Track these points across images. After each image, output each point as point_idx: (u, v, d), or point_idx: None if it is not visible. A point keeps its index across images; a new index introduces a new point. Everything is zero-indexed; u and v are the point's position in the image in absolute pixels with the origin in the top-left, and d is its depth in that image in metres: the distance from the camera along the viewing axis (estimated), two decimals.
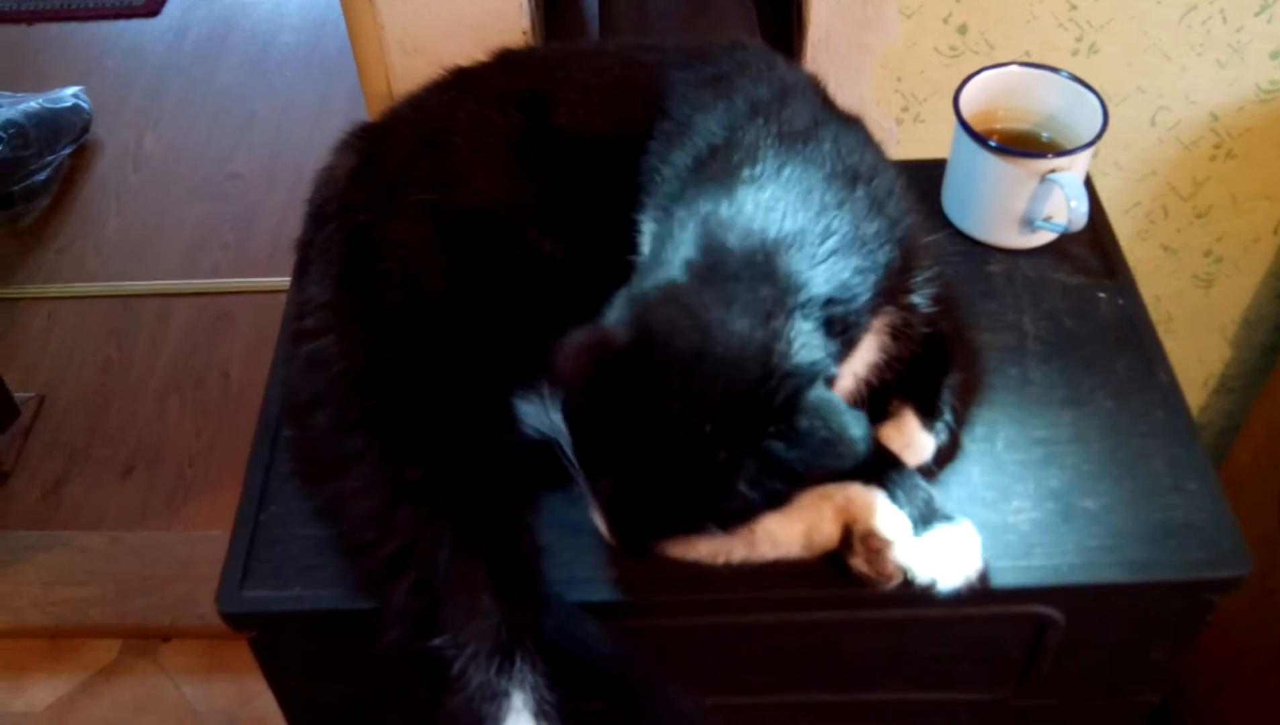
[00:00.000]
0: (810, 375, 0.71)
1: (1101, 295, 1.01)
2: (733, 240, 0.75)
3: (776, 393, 0.70)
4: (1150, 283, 1.50)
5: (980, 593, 0.81)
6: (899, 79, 1.32)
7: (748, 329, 0.71)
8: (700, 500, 0.72)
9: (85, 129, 2.71)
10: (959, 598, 0.81)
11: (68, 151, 2.65)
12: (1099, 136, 0.98)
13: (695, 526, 0.75)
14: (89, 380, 2.25)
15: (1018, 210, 1.01)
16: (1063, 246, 1.05)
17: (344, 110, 2.69)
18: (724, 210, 0.77)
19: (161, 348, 2.30)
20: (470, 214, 0.88)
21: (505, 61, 1.01)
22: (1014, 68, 1.05)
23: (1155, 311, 1.54)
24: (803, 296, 0.74)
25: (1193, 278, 1.51)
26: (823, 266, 0.75)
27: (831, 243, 0.76)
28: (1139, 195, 1.41)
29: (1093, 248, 1.05)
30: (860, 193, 0.79)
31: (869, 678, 0.92)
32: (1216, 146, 1.36)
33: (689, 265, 0.75)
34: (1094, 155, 1.02)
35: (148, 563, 1.94)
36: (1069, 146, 1.02)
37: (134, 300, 2.39)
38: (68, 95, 2.69)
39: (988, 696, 0.94)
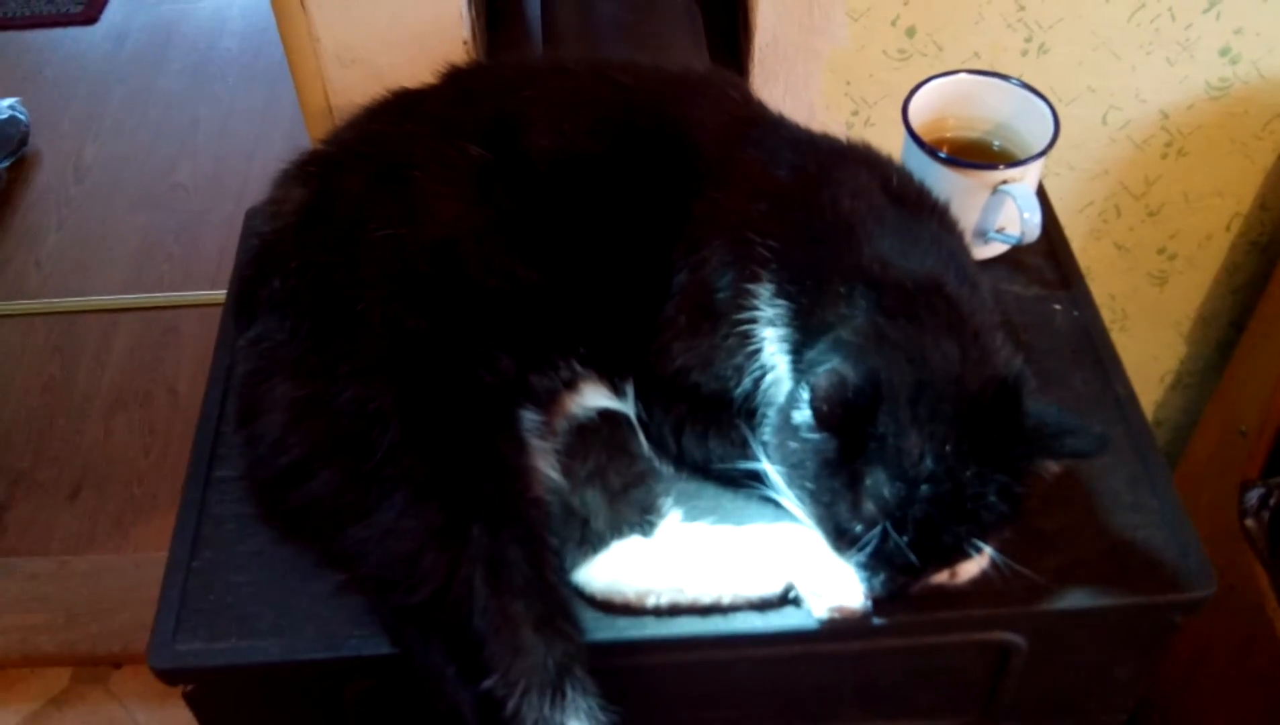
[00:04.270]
0: (1023, 376, 0.77)
1: (1057, 307, 1.00)
2: (905, 278, 0.80)
3: (1000, 400, 0.75)
4: (1105, 281, 1.50)
5: (940, 622, 0.80)
6: (848, 82, 1.30)
7: (957, 348, 0.76)
8: (958, 524, 0.74)
9: (23, 141, 2.64)
10: (918, 627, 0.79)
11: (6, 164, 2.58)
12: (1050, 146, 0.97)
13: (955, 554, 0.76)
14: (32, 400, 2.20)
15: (970, 222, 0.99)
16: (1017, 257, 1.03)
17: (288, 116, 2.64)
18: (885, 250, 0.81)
19: (106, 365, 2.25)
20: (438, 245, 0.85)
21: (457, 85, 0.98)
22: (963, 75, 1.03)
23: (1110, 310, 1.53)
24: (988, 313, 0.80)
25: (1147, 275, 1.50)
26: (985, 289, 0.84)
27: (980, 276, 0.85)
28: (1092, 195, 1.41)
29: (1047, 258, 1.04)
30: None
31: (832, 710, 0.90)
32: (1168, 145, 1.36)
33: (870, 304, 0.78)
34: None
35: (97, 588, 1.89)
36: (1020, 154, 1.00)
37: (77, 316, 2.33)
38: (4, 106, 2.63)
39: (953, 723, 0.92)
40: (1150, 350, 1.60)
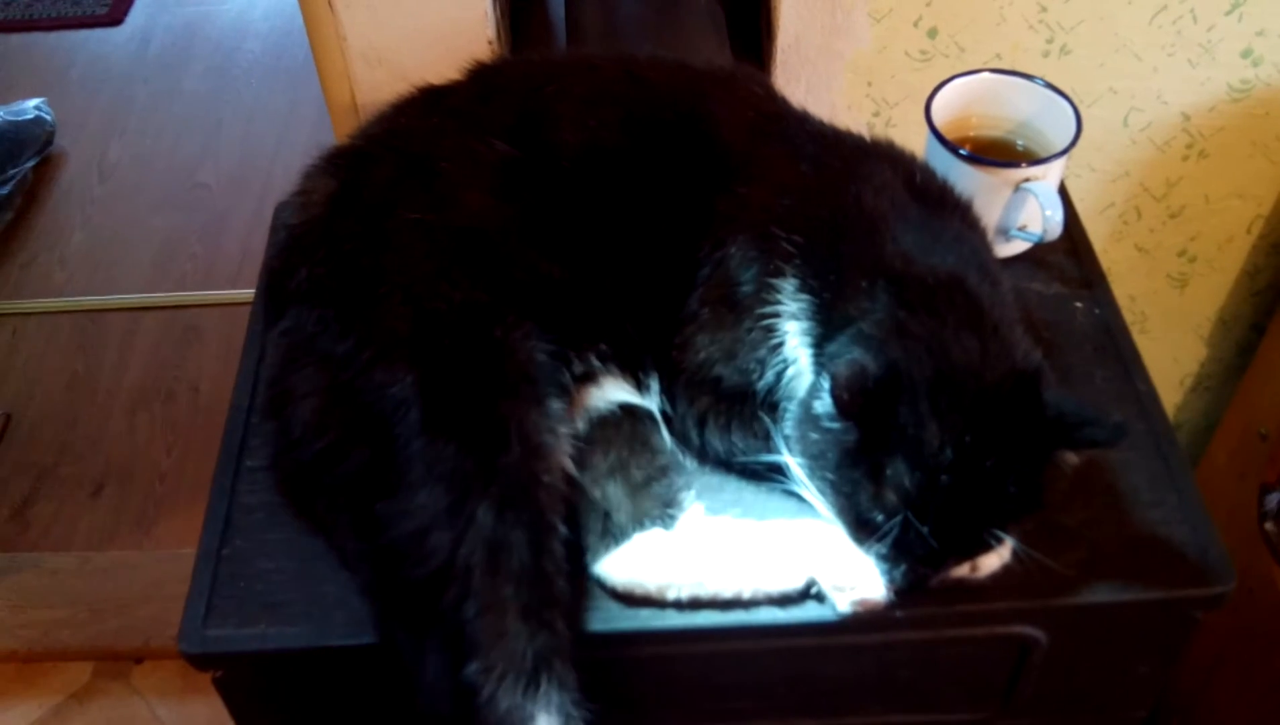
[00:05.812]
0: (1041, 370, 0.78)
1: (1078, 304, 1.00)
2: (926, 273, 0.80)
3: (1020, 391, 0.76)
4: (1125, 283, 1.50)
5: (960, 615, 0.80)
6: (870, 84, 1.31)
7: (977, 342, 0.77)
8: (978, 514, 0.75)
9: (49, 141, 2.67)
10: (939, 620, 0.80)
11: (31, 164, 2.61)
12: (1072, 145, 0.97)
13: (976, 544, 0.76)
14: (56, 397, 2.22)
15: (992, 220, 0.99)
16: (1039, 255, 1.04)
17: (311, 118, 2.66)
18: (907, 246, 0.82)
19: (129, 363, 2.27)
20: (465, 232, 0.86)
21: (482, 82, 0.98)
22: (986, 75, 1.04)
23: (1130, 312, 1.53)
24: (1009, 309, 0.81)
25: (1167, 277, 1.50)
26: (1006, 286, 0.84)
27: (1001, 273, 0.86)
28: (1112, 196, 1.41)
29: (1069, 256, 1.04)
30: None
31: (852, 702, 0.90)
32: (1189, 146, 1.36)
33: (892, 299, 0.79)
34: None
35: (119, 583, 1.91)
36: (1043, 153, 1.01)
37: (101, 315, 2.36)
38: (30, 107, 2.66)
39: (972, 717, 0.93)
40: (1170, 353, 1.59)
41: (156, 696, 1.81)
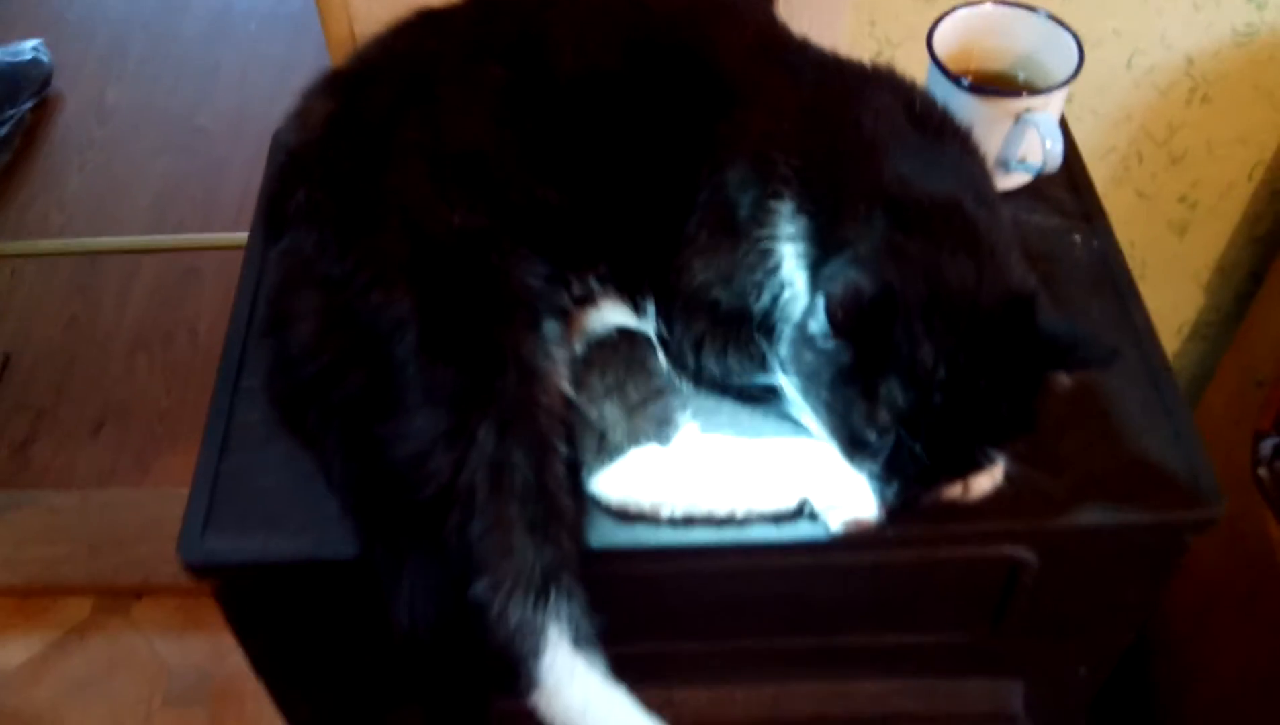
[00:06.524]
0: (1035, 292, 0.78)
1: (1077, 238, 1.00)
2: (923, 197, 0.80)
3: (1014, 312, 0.76)
4: (1125, 229, 1.48)
5: (952, 534, 0.81)
6: (873, 23, 1.30)
7: (973, 264, 0.77)
8: (971, 433, 0.75)
9: (46, 83, 2.65)
10: (930, 539, 0.80)
11: (28, 106, 2.59)
12: (1074, 75, 0.97)
13: (968, 464, 0.77)
14: (55, 338, 2.22)
15: (992, 151, 0.99)
16: (1038, 188, 1.04)
17: (309, 62, 2.60)
18: (905, 171, 0.82)
19: (128, 305, 2.27)
20: (463, 156, 0.86)
21: (481, 6, 0.98)
22: (989, 6, 1.03)
23: (1129, 258, 1.51)
24: (1005, 235, 0.81)
25: (1167, 224, 1.50)
26: (1004, 214, 0.84)
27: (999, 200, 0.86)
28: (1114, 140, 1.40)
29: (1068, 190, 1.04)
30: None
31: (843, 622, 0.92)
32: (1192, 91, 1.35)
33: (889, 222, 0.79)
34: (1069, 97, 1.00)
35: (118, 520, 1.92)
36: (1045, 86, 1.00)
37: (99, 257, 2.35)
38: (27, 48, 2.64)
39: (962, 638, 0.94)
40: (1168, 300, 1.59)
41: (156, 631, 1.83)
